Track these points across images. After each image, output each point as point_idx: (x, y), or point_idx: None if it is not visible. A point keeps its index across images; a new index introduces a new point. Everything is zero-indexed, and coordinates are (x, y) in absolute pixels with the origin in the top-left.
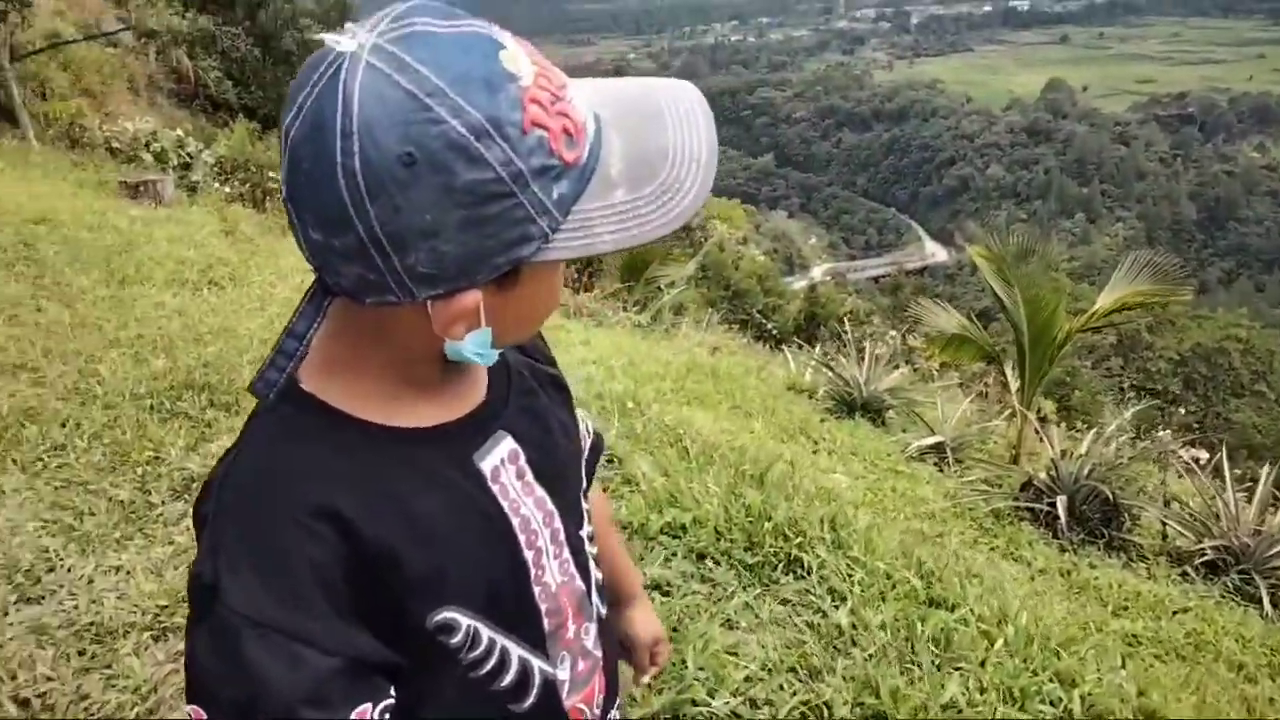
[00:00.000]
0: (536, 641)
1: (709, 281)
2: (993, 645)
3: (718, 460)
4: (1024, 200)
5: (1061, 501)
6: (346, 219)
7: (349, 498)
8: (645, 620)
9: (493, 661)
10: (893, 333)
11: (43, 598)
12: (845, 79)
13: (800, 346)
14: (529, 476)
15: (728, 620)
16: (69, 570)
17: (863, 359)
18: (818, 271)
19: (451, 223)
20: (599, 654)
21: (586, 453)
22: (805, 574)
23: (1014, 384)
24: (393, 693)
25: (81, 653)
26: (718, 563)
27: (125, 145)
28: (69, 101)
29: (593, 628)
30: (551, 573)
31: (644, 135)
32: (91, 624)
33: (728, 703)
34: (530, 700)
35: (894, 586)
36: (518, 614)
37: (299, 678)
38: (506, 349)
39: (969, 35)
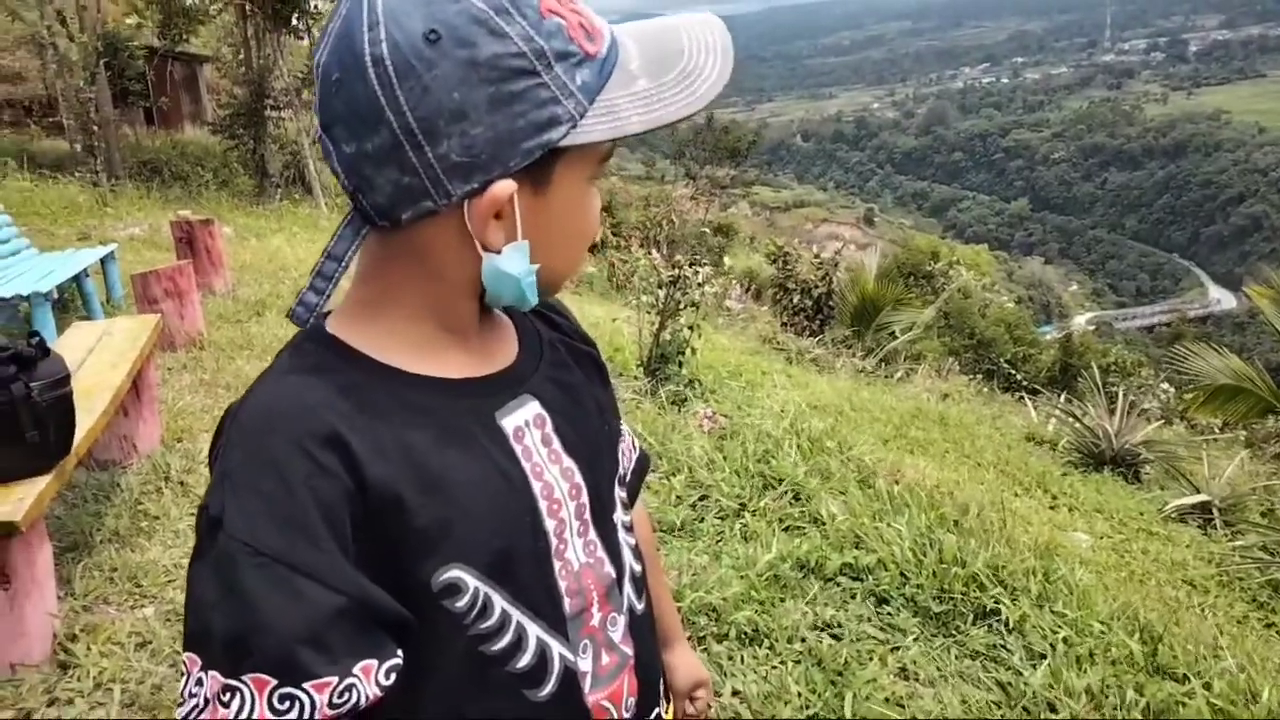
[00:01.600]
0: (555, 622)
1: (951, 330)
2: None
3: (914, 503)
4: None
5: None
6: (378, 112)
7: (357, 435)
8: (684, 664)
9: (507, 638)
10: (1165, 385)
11: None
12: (1112, 115)
13: (1057, 398)
14: (556, 445)
15: (902, 669)
16: None
17: (1115, 409)
18: (1080, 320)
19: (480, 101)
20: (629, 651)
21: (632, 467)
22: (1001, 628)
23: None
24: (400, 654)
25: None
26: (900, 609)
27: None
28: None
29: (621, 620)
30: (575, 550)
31: (659, 41)
32: None
33: None
34: (549, 689)
35: (1108, 649)
36: (535, 587)
37: (299, 613)
38: (539, 322)
39: (1261, 60)
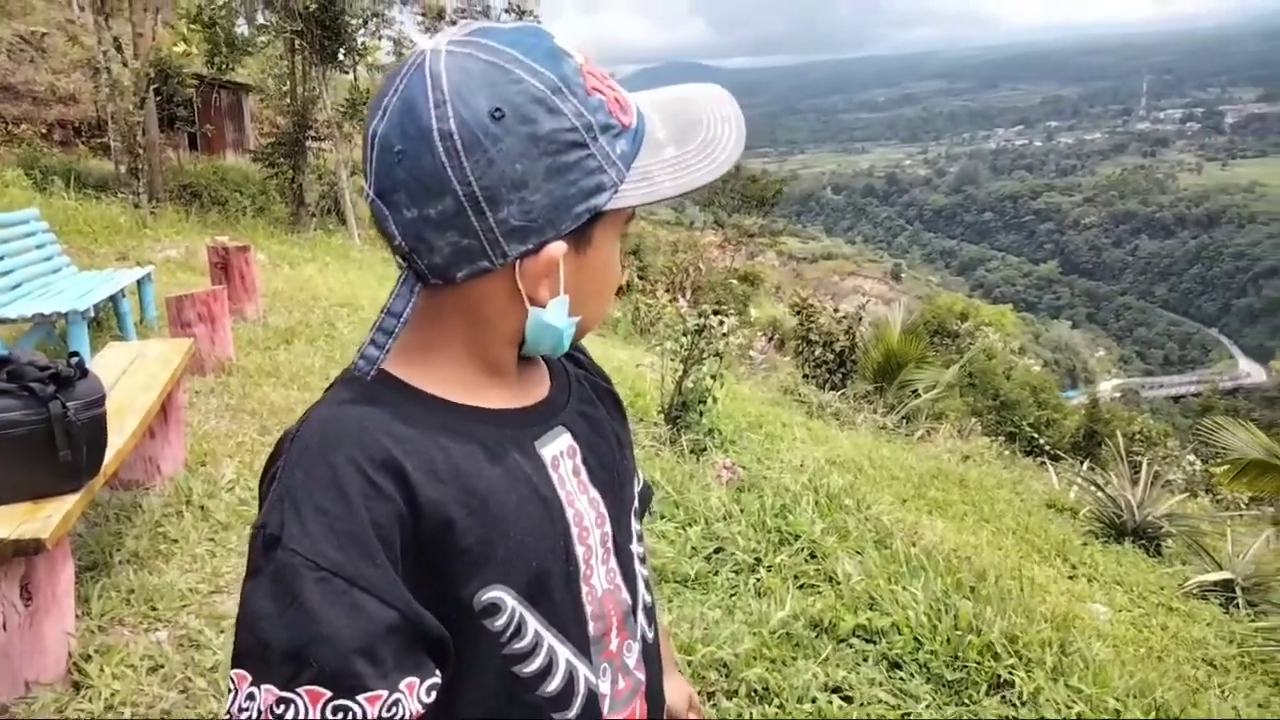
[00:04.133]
0: (582, 645)
1: (975, 390)
2: None
3: (930, 567)
4: None
5: None
6: (444, 182)
7: (412, 459)
8: (677, 686)
9: (539, 660)
10: (1191, 457)
11: None
12: (1145, 182)
13: (1080, 464)
14: (584, 475)
15: None
16: None
17: (1138, 479)
18: (1105, 387)
19: (539, 171)
20: (642, 677)
21: (636, 501)
22: (1015, 699)
23: None
24: (438, 673)
25: None
26: (913, 675)
27: None
28: None
29: (636, 647)
30: (599, 576)
31: (677, 111)
32: None
33: None
34: (574, 712)
35: None
36: (565, 610)
37: (357, 625)
38: (565, 360)
39: None
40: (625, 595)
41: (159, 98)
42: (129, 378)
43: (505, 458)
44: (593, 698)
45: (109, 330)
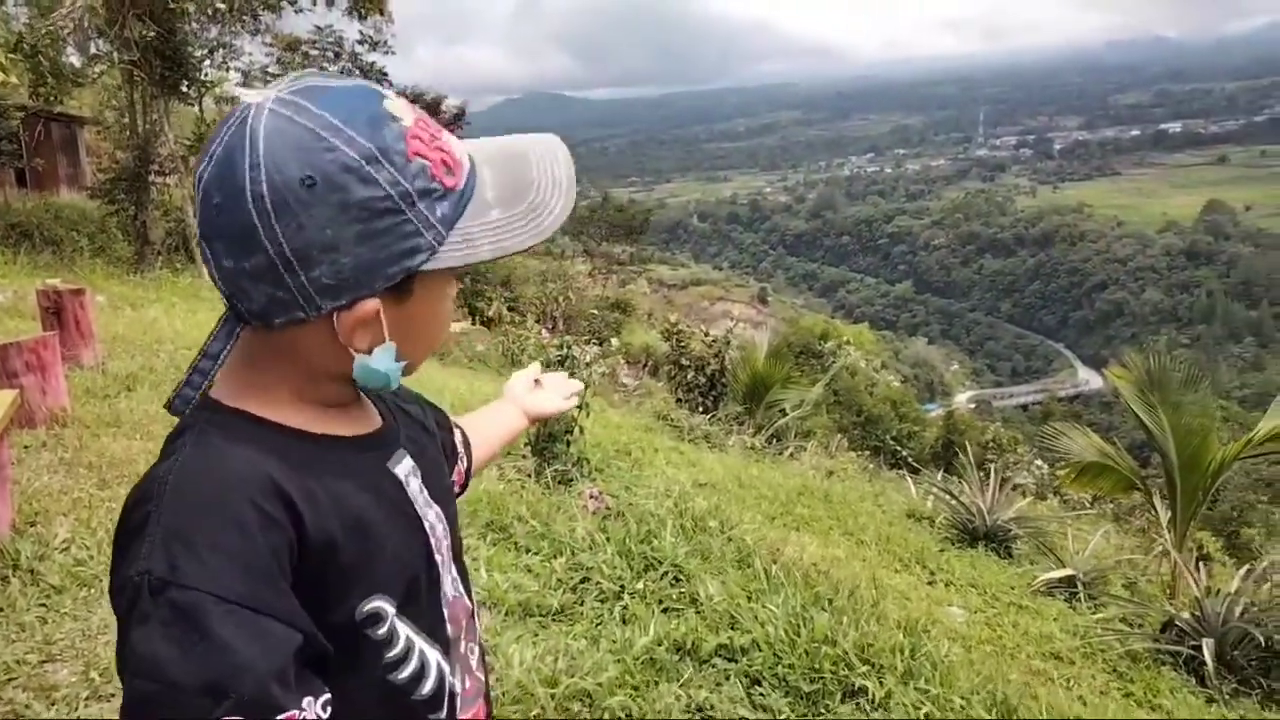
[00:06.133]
0: (445, 647)
1: (840, 407)
2: None
3: (789, 582)
4: (1186, 324)
5: (1208, 645)
6: (256, 240)
7: (293, 486)
8: (508, 403)
9: (413, 665)
10: (1039, 462)
11: (113, 695)
12: (986, 205)
13: (938, 474)
14: (426, 493)
15: None
16: None
17: (987, 486)
18: (960, 398)
19: (349, 236)
20: (482, 678)
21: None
22: (868, 705)
23: (1164, 516)
24: (327, 689)
25: None
26: (772, 689)
27: None
28: None
29: (477, 650)
30: (447, 583)
31: (512, 169)
32: None
33: None
34: (444, 713)
35: None
36: (432, 614)
37: (269, 652)
38: (389, 398)
39: (1116, 159)
40: (467, 601)
41: None
42: None
43: (368, 478)
44: (453, 697)
45: None
